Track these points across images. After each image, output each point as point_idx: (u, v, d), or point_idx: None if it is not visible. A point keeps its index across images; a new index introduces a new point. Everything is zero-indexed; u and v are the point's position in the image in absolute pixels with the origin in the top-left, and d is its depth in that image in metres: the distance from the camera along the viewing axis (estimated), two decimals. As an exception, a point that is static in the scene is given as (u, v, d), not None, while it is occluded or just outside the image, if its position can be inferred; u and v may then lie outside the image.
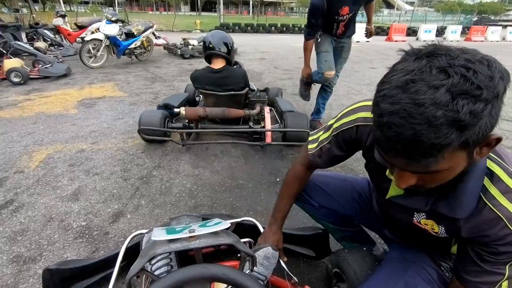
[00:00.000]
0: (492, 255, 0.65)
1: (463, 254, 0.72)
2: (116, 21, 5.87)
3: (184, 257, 1.11)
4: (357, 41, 14.34)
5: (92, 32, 6.80)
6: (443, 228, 0.73)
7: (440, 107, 0.43)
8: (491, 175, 0.62)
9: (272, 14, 50.69)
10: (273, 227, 1.09)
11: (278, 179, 2.15)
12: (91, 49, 5.69)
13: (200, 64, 6.69)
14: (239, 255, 0.89)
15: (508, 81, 0.47)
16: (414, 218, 0.79)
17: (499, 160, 0.64)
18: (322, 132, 0.96)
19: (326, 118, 3.45)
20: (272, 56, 8.38)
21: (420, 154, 0.48)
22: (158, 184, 2.04)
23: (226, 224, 0.86)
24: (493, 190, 0.62)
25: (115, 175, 2.13)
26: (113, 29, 5.73)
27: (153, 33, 7.51)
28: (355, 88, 4.94)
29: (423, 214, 0.76)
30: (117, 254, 1.12)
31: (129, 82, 4.81)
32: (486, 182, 0.63)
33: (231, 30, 17.57)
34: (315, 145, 0.96)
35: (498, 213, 0.60)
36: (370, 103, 0.56)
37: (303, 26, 19.65)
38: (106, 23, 5.75)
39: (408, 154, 0.50)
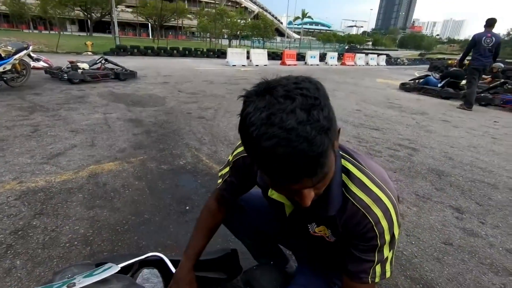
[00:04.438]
0: (362, 242, 0.76)
1: (347, 249, 0.83)
2: (-27, 41, 4.79)
3: None
4: (256, 65, 15.55)
5: None
6: (330, 231, 0.84)
7: (306, 124, 0.51)
8: (347, 172, 0.73)
9: (173, 37, 50.39)
10: (184, 268, 1.02)
11: (188, 207, 2.08)
12: None
13: (93, 89, 6.04)
14: None
15: (324, 87, 0.58)
16: (309, 229, 0.87)
17: (349, 157, 0.75)
18: (225, 166, 1.03)
19: (232, 138, 3.57)
20: (175, 79, 8.26)
21: (315, 166, 0.54)
22: (40, 235, 1.69)
23: (116, 268, 0.78)
24: (351, 185, 0.72)
25: (-25, 234, 1.66)
26: (-31, 50, 4.66)
27: (29, 55, 6.42)
28: (257, 108, 5.29)
29: (314, 224, 0.86)
30: None
31: (-4, 114, 3.94)
32: (345, 178, 0.73)
33: (129, 53, 16.57)
34: (221, 179, 1.04)
35: (357, 205, 0.71)
36: None
37: (205, 50, 20.20)
38: (-42, 43, 4.64)
39: (307, 173, 0.55)
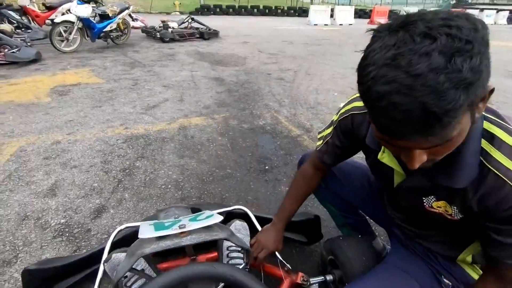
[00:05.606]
0: (507, 225, 0.61)
1: (483, 234, 0.68)
2: (88, 1, 5.49)
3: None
4: (340, 24, 14.28)
5: (63, 14, 6.33)
6: (455, 208, 0.69)
7: (439, 72, 0.40)
8: (490, 137, 0.58)
9: (253, -5, 49.24)
10: (276, 226, 1.06)
11: (267, 167, 2.11)
12: (62, 32, 5.30)
13: (181, 47, 6.43)
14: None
15: (487, 29, 0.44)
16: (424, 203, 0.74)
17: (496, 119, 0.60)
18: (327, 128, 0.95)
19: (312, 102, 3.42)
20: (255, 39, 8.17)
21: (436, 126, 0.44)
22: (142, 175, 1.94)
23: (219, 217, 0.82)
24: (496, 154, 0.57)
25: (95, 168, 2.01)
26: (86, 10, 5.35)
27: (130, 15, 7.10)
28: (340, 72, 4.90)
29: (432, 197, 0.72)
30: (102, 250, 1.06)
31: (106, 68, 4.55)
32: (486, 145, 0.59)
33: (212, 12, 16.94)
34: (321, 141, 0.96)
35: (504, 178, 0.56)
36: None
37: (285, 8, 19.29)
38: (78, 4, 5.35)
39: (422, 131, 0.45)
